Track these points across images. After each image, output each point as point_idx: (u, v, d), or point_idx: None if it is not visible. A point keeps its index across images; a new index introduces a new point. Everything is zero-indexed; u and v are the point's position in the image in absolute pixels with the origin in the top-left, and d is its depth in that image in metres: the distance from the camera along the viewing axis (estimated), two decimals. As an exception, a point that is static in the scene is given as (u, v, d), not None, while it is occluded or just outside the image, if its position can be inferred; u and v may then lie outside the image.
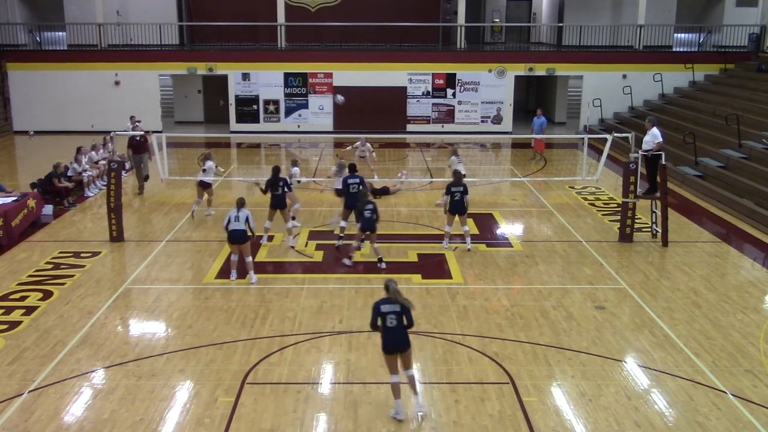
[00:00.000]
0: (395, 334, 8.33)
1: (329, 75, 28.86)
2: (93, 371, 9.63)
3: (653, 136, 15.37)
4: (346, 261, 13.71)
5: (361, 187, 14.28)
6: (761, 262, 14.38)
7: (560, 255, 14.43)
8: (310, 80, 28.83)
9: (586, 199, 18.83)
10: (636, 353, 10.27)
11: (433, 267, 13.70)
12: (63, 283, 12.70)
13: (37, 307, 11.68)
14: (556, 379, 9.49)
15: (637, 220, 15.44)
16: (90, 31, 29.24)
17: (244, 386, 9.21)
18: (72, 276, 13.08)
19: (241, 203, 12.71)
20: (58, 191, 17.75)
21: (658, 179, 15.03)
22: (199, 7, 31.65)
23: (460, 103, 29.17)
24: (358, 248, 13.99)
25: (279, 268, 13.76)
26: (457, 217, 14.49)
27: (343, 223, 14.75)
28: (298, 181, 16.97)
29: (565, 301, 12.06)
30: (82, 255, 14.20)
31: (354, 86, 28.49)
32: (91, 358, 9.98)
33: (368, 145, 20.51)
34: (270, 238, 15.01)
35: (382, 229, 14.47)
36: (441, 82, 29.03)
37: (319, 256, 14.32)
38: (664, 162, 14.97)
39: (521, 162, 24.00)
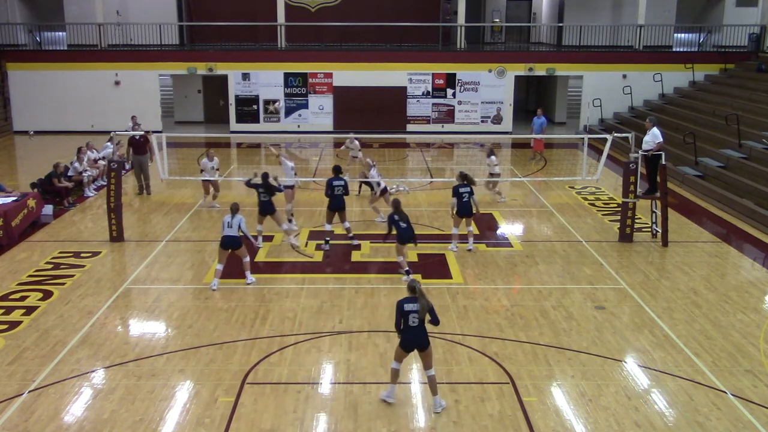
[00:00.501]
0: (416, 333, 8.53)
1: (329, 75, 28.86)
2: (93, 371, 9.63)
3: (653, 136, 15.37)
4: (404, 276, 12.78)
5: (392, 198, 13.61)
6: (761, 262, 14.38)
7: (560, 255, 14.43)
8: (310, 80, 28.83)
9: (586, 199, 18.82)
10: (636, 353, 10.27)
11: (433, 267, 13.68)
12: (63, 283, 12.70)
13: (37, 307, 11.68)
14: (556, 379, 9.49)
15: (637, 220, 15.44)
16: (90, 31, 29.24)
17: (244, 386, 9.21)
18: (72, 276, 13.08)
19: (234, 209, 12.58)
20: (58, 191, 17.75)
21: (658, 179, 15.03)
22: (199, 7, 31.66)
23: (460, 103, 29.16)
24: (406, 269, 12.95)
25: (279, 268, 13.76)
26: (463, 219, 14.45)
27: (328, 227, 14.63)
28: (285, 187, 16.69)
29: (565, 301, 12.06)
30: (82, 255, 14.20)
31: (354, 86, 28.55)
32: (91, 358, 9.97)
33: (356, 143, 20.46)
34: (268, 239, 14.99)
35: (382, 229, 14.46)
36: (441, 82, 29.02)
37: (319, 256, 14.32)
38: (664, 162, 14.97)
39: (521, 162, 23.98)
